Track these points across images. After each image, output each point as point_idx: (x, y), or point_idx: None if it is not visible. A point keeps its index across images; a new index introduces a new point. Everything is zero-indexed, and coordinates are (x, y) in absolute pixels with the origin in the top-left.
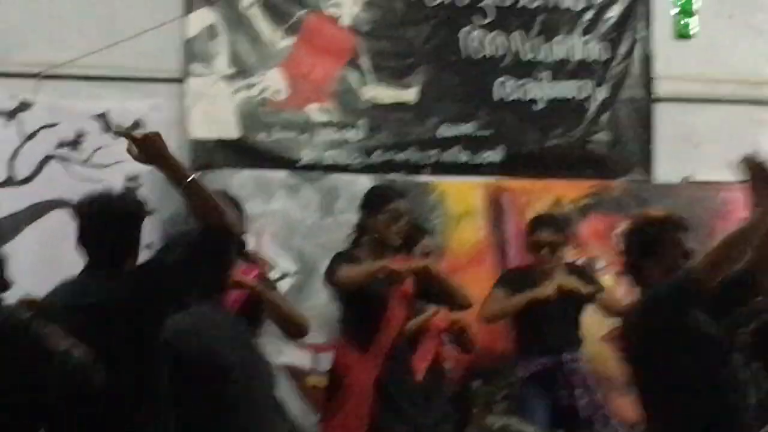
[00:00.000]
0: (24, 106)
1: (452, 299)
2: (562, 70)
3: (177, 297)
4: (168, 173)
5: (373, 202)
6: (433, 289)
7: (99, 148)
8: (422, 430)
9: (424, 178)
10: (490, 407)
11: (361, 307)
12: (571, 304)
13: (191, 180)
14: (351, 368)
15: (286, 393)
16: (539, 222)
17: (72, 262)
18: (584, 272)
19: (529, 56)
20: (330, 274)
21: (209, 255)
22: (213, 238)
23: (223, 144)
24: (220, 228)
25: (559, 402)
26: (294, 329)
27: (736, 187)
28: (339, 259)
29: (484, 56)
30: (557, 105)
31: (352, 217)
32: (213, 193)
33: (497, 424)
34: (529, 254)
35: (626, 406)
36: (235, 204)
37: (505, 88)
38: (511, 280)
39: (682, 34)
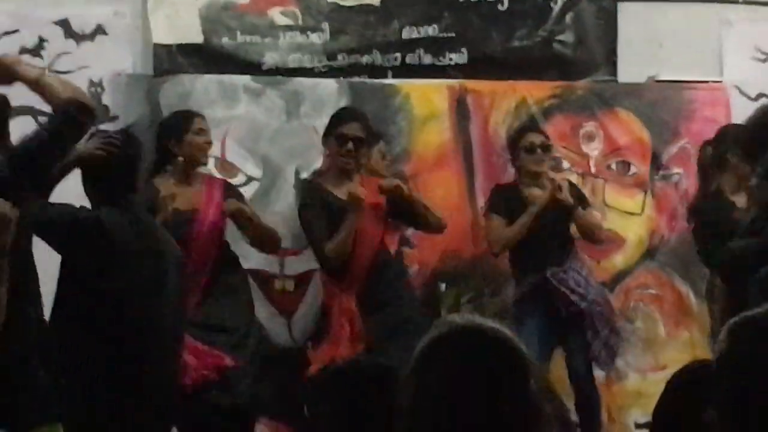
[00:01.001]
0: None
1: (423, 221)
2: None
3: (36, 175)
4: (21, 78)
5: (328, 125)
6: (404, 208)
7: (61, 54)
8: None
9: (388, 80)
10: (457, 309)
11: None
12: (561, 222)
13: (41, 75)
14: (332, 299)
15: (254, 297)
16: (523, 128)
17: None
18: (575, 187)
19: None
20: (322, 257)
21: (69, 130)
22: (70, 113)
23: (185, 49)
24: (76, 102)
25: (562, 314)
26: (268, 245)
27: (701, 86)
28: (312, 219)
29: None
30: (521, 6)
31: (317, 121)
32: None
33: (462, 321)
34: (517, 162)
35: None
36: None
37: None
38: (503, 202)
39: None
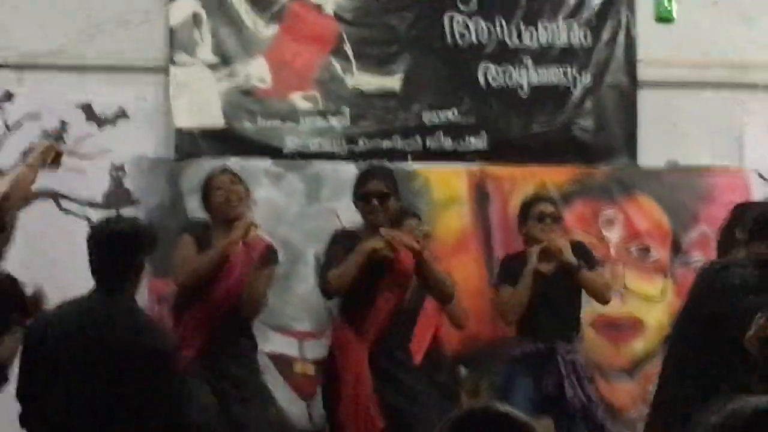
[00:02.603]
0: (8, 97)
1: (435, 290)
2: (545, 55)
3: None
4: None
5: (354, 186)
6: (420, 273)
7: (83, 138)
8: (422, 402)
9: (408, 165)
10: (477, 393)
11: (352, 288)
12: (569, 289)
13: None
14: (345, 348)
15: (274, 380)
16: (536, 198)
17: (56, 253)
18: (582, 246)
19: (513, 42)
20: (322, 281)
21: None
22: None
23: (207, 133)
24: None
25: (546, 390)
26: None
27: (721, 171)
28: (333, 248)
29: (468, 43)
30: (541, 91)
31: (338, 204)
32: None
33: (478, 405)
34: (525, 230)
35: (612, 392)
36: None
37: (489, 75)
38: (511, 271)
39: (663, 17)
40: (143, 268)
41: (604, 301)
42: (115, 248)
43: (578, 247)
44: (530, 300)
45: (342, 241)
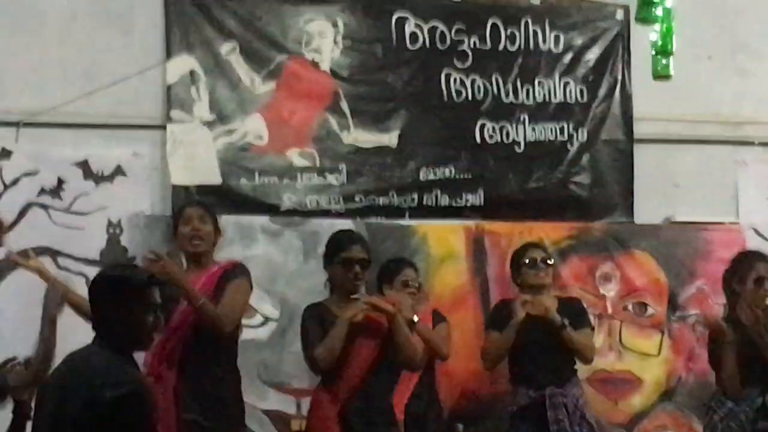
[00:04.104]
0: (5, 154)
1: (400, 353)
2: (542, 112)
3: None
4: None
5: (328, 250)
6: (390, 331)
7: (80, 195)
8: None
9: (405, 221)
10: None
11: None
12: (552, 335)
13: None
14: (315, 407)
15: None
16: (526, 245)
17: None
18: (571, 304)
19: (510, 99)
20: (311, 360)
21: None
22: None
23: (204, 190)
24: None
25: None
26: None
27: (717, 227)
28: (310, 326)
29: (465, 99)
30: (538, 147)
31: None
32: None
33: None
34: (519, 278)
35: None
36: None
37: (486, 131)
38: (500, 317)
39: (661, 74)
40: (133, 315)
41: (586, 361)
42: (93, 295)
43: (568, 305)
44: (523, 348)
45: (316, 317)
